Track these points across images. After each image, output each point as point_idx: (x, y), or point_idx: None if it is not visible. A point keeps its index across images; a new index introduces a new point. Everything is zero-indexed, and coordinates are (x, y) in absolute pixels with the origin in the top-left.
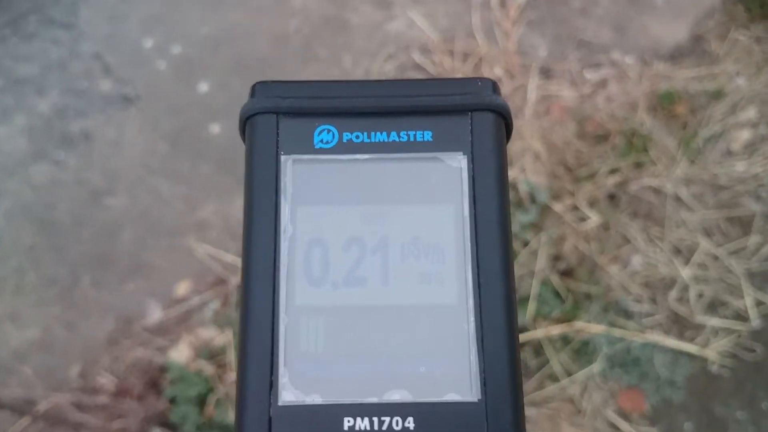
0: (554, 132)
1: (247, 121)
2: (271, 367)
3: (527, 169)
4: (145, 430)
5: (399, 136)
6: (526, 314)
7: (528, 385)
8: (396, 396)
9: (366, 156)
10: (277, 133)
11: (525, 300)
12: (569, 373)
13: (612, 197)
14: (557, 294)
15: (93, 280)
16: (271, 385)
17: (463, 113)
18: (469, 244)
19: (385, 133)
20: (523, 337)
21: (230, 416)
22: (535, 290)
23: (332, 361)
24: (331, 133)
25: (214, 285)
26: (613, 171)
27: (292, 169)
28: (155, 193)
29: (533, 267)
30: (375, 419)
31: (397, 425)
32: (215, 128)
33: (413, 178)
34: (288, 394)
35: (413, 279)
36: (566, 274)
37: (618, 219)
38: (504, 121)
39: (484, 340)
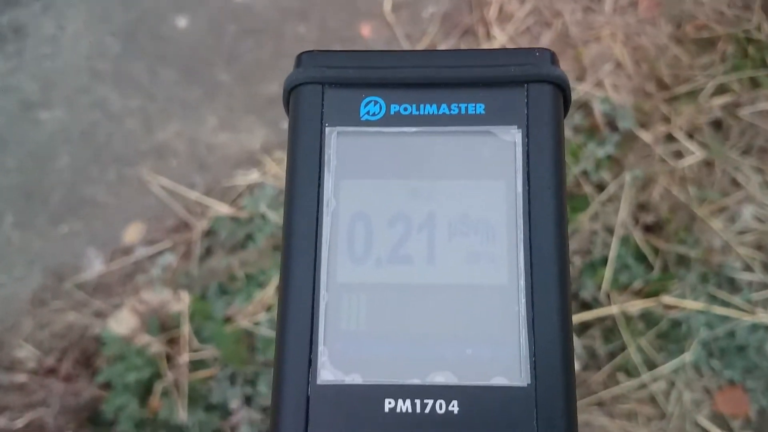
0: (643, 33)
1: (291, 92)
2: (310, 346)
3: (606, 83)
4: (63, 426)
5: (449, 109)
6: (596, 283)
7: (593, 380)
8: (440, 378)
9: (414, 129)
10: (323, 105)
11: (597, 265)
12: (652, 365)
13: (718, 125)
14: (641, 257)
15: (16, 219)
16: (310, 364)
17: (519, 85)
18: (522, 222)
19: (434, 105)
20: (590, 315)
21: (179, 414)
22: (613, 252)
23: (374, 340)
24: (378, 104)
25: (172, 231)
26: (721, 90)
27: (336, 141)
28: (101, 106)
29: (611, 220)
30: (417, 401)
31: (440, 408)
32: (181, 22)
33: (464, 152)
34: (327, 373)
35: (461, 257)
36: (654, 230)
37: (725, 155)
38: (562, 94)
39: (536, 323)
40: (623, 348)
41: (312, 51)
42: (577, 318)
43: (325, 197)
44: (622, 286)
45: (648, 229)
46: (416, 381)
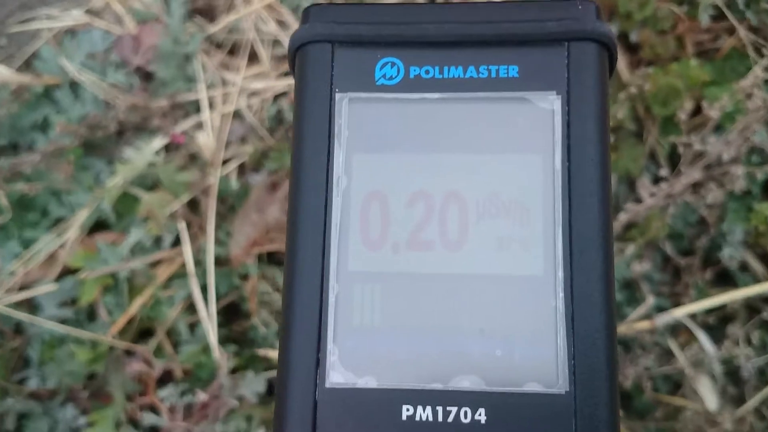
0: None
1: (297, 52)
2: (318, 343)
3: None
4: None
5: (478, 72)
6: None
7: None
8: (465, 383)
9: (437, 95)
10: (332, 67)
11: None
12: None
13: None
14: None
15: None
16: (318, 364)
17: (559, 43)
18: (560, 203)
19: (461, 68)
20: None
21: None
22: None
23: (390, 338)
24: (395, 66)
25: None
26: None
27: (348, 109)
28: None
29: None
30: (439, 409)
31: (465, 417)
32: None
33: (494, 122)
34: (337, 375)
35: (490, 243)
36: None
37: None
38: (608, 53)
39: (575, 320)
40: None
41: (321, 3)
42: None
43: (335, 174)
44: None
45: None
46: (438, 386)
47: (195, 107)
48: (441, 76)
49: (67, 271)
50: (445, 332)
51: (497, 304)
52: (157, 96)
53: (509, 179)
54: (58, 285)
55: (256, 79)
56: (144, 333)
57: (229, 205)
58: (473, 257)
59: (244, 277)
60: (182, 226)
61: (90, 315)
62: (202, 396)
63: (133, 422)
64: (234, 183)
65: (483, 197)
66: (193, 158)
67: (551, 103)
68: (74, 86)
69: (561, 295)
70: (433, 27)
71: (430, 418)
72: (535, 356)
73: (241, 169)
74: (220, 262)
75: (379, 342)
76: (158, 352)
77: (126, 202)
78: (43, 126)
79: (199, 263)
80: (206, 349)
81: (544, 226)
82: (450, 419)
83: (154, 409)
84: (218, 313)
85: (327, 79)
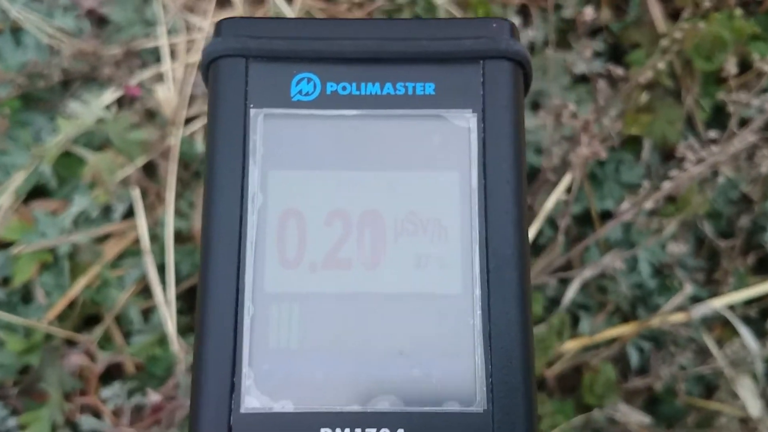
0: None
1: (210, 65)
2: (233, 367)
3: None
4: None
5: (395, 89)
6: None
7: None
8: (384, 404)
9: (354, 112)
10: (247, 82)
11: None
12: None
13: None
14: None
15: None
16: (233, 389)
17: (474, 61)
18: (477, 220)
19: (378, 85)
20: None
21: None
22: None
23: (308, 360)
24: (312, 82)
25: None
26: None
27: (263, 125)
28: None
29: None
30: (357, 431)
31: None
32: None
33: (411, 139)
34: (252, 400)
35: (408, 262)
36: None
37: None
38: (523, 71)
39: (492, 338)
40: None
41: (234, 17)
42: None
43: (250, 191)
44: None
45: None
46: (356, 408)
47: (154, 56)
48: (358, 93)
49: None
50: (364, 353)
51: (415, 323)
52: (111, 43)
53: (427, 197)
54: None
55: None
56: (88, 320)
57: (193, 171)
58: (391, 276)
59: None
60: (136, 193)
61: (25, 297)
62: (154, 397)
63: (73, 425)
64: (199, 145)
65: (401, 215)
66: (151, 115)
67: (467, 120)
68: (16, 32)
69: (478, 312)
70: (350, 43)
71: None
72: (454, 375)
73: None
74: (181, 237)
75: (296, 364)
76: (105, 342)
77: (69, 165)
78: None
79: (155, 238)
80: (162, 341)
81: (461, 244)
82: None
83: (96, 411)
84: (178, 298)
85: (241, 94)
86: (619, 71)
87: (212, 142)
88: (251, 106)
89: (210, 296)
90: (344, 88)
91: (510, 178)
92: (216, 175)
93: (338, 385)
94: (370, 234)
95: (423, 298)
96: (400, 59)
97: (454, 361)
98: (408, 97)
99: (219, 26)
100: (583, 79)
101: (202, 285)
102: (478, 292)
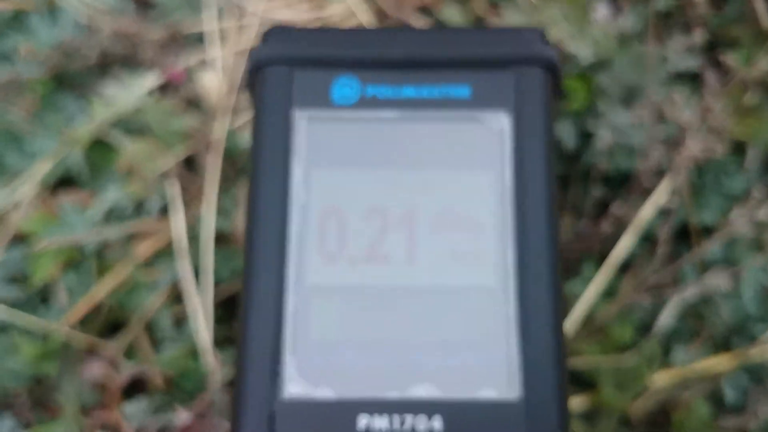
0: None
1: (256, 72)
2: (275, 355)
3: None
4: None
5: (431, 92)
6: None
7: None
8: (421, 391)
9: (392, 114)
10: (291, 87)
11: None
12: None
13: None
14: None
15: None
16: (275, 376)
17: (507, 67)
18: (510, 217)
19: (415, 88)
20: None
21: None
22: None
23: (347, 349)
24: (352, 86)
25: None
26: None
27: (307, 127)
28: None
29: None
30: (396, 417)
31: (421, 425)
32: None
33: (447, 140)
34: (294, 387)
35: (444, 256)
36: None
37: None
38: (553, 76)
39: (526, 328)
40: None
41: (280, 26)
42: None
43: (293, 189)
44: None
45: None
46: (395, 394)
47: (202, 42)
48: (396, 96)
49: (20, 238)
50: (402, 343)
51: (451, 315)
52: (155, 25)
53: (462, 195)
54: (5, 254)
55: (283, 7)
56: (114, 327)
57: (239, 167)
58: (428, 269)
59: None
60: (175, 188)
61: (44, 297)
62: (183, 415)
63: None
64: (245, 139)
65: (437, 212)
66: (195, 105)
67: (501, 122)
68: (53, 11)
69: (513, 303)
70: (389, 50)
71: (387, 427)
72: (489, 363)
73: None
74: (221, 239)
75: (336, 354)
76: (130, 352)
77: (103, 153)
78: (12, 60)
79: (193, 239)
80: (196, 353)
81: (495, 238)
82: (406, 427)
83: (116, 429)
84: (215, 305)
85: (286, 98)
86: (730, 61)
87: (257, 144)
88: (295, 109)
89: (254, 288)
90: (383, 92)
91: (542, 176)
92: (261, 174)
93: (377, 374)
94: (407, 230)
95: (459, 290)
96: (437, 64)
97: (489, 351)
98: (444, 100)
99: (266, 35)
100: (678, 78)
101: (246, 278)
102: (512, 283)
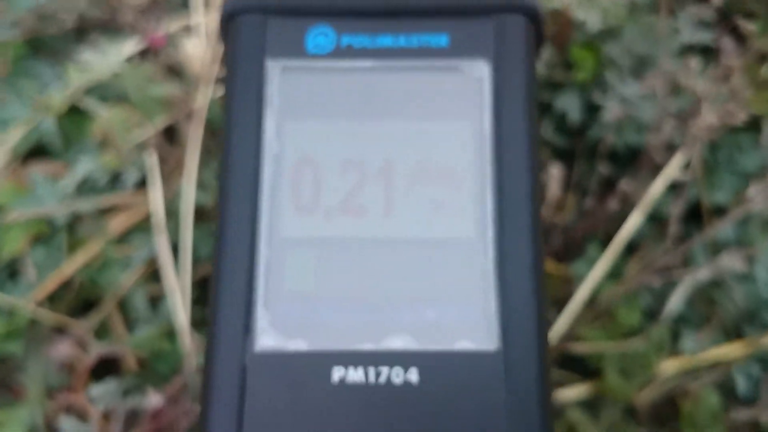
0: None
1: (228, 21)
2: (248, 308)
3: None
4: None
5: (409, 41)
6: None
7: None
8: (397, 342)
9: (369, 63)
10: (265, 36)
11: None
12: None
13: None
14: None
15: None
16: (247, 329)
17: (488, 15)
18: (489, 167)
19: (392, 37)
20: None
21: None
22: None
23: (321, 302)
24: (327, 35)
25: None
26: None
27: (280, 77)
28: None
29: None
30: (371, 369)
31: (397, 377)
32: None
33: (425, 89)
34: (267, 339)
35: (422, 208)
36: None
37: None
38: (535, 25)
39: (505, 279)
40: None
41: None
42: None
43: (266, 140)
44: None
45: None
46: (369, 346)
47: (184, 4)
48: (373, 45)
49: None
50: (378, 295)
51: (429, 267)
52: None
53: (440, 145)
54: None
55: None
56: (86, 305)
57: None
58: (405, 222)
59: None
60: (153, 159)
61: (12, 272)
62: (155, 399)
63: (53, 429)
64: None
65: (414, 162)
66: (176, 72)
67: (480, 70)
68: None
69: (491, 255)
70: None
71: (362, 379)
72: (467, 315)
73: None
74: (201, 214)
75: (310, 307)
76: (102, 332)
77: (78, 123)
78: None
79: (172, 214)
80: (171, 333)
81: (474, 189)
82: (382, 380)
83: (82, 412)
84: (193, 284)
85: (260, 48)
86: (747, 30)
87: (230, 94)
88: (268, 58)
89: (226, 240)
90: (359, 41)
91: (522, 125)
92: (233, 125)
93: (352, 326)
94: (384, 182)
95: (437, 242)
96: (414, 12)
97: (467, 302)
98: (422, 49)
99: None
100: (689, 50)
101: (219, 230)
102: (491, 234)
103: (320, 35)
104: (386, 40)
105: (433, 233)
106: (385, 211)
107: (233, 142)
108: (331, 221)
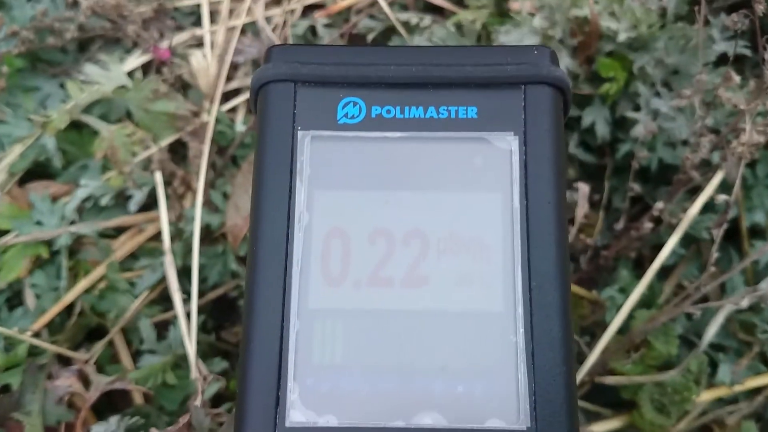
0: None
1: (259, 90)
2: (278, 381)
3: None
4: None
5: (438, 112)
6: None
7: None
8: (427, 420)
9: (398, 134)
10: (295, 105)
11: None
12: None
13: None
14: None
15: None
16: (278, 403)
17: (516, 86)
18: (519, 240)
19: (421, 108)
20: None
21: None
22: None
23: (351, 375)
24: (357, 106)
25: None
26: None
27: (310, 146)
28: None
29: None
30: None
31: None
32: None
33: (454, 161)
34: (297, 414)
35: (450, 280)
36: None
37: None
38: (562, 96)
39: (535, 356)
40: None
41: (284, 44)
42: None
43: (296, 210)
44: None
45: None
46: (400, 423)
47: (191, 18)
48: (402, 116)
49: None
50: (407, 369)
51: (458, 341)
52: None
53: (469, 217)
54: None
55: None
56: (89, 334)
57: (230, 156)
58: (434, 294)
59: (245, 259)
60: (158, 178)
61: (11, 300)
62: None
63: None
64: (239, 125)
65: (443, 234)
66: (183, 87)
67: (509, 143)
68: None
69: (521, 330)
70: (394, 68)
71: None
72: (497, 392)
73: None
74: (210, 235)
75: (340, 380)
76: (106, 363)
77: (79, 140)
78: None
79: (179, 235)
80: (179, 364)
81: (503, 263)
82: None
83: None
84: (203, 311)
85: (289, 117)
86: None
87: (261, 163)
88: (299, 128)
89: (257, 312)
90: (388, 112)
91: (551, 199)
92: (264, 195)
93: (382, 401)
94: (413, 253)
95: (466, 315)
96: (443, 84)
97: (497, 379)
98: (451, 120)
99: (269, 52)
100: (723, 60)
101: (248, 301)
102: (520, 310)
103: (350, 105)
104: (416, 112)
105: (461, 306)
106: (413, 282)
107: (264, 212)
108: (360, 292)
